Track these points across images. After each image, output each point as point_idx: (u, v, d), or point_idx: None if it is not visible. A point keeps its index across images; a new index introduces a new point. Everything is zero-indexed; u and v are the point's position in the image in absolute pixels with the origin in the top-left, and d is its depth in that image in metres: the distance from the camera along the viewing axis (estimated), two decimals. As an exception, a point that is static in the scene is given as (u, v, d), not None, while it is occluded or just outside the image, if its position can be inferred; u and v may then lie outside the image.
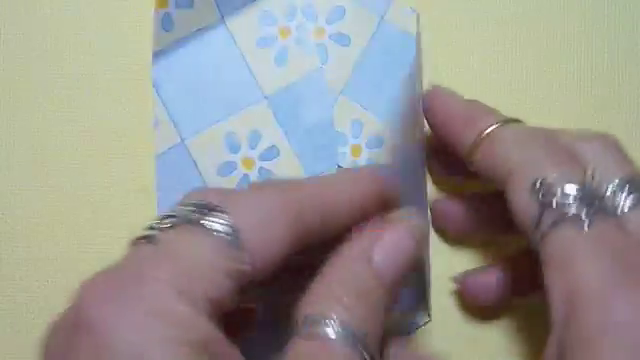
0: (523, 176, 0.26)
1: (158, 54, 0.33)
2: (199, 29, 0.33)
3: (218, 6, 0.33)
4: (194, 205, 0.24)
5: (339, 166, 0.33)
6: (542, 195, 0.25)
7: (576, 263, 0.24)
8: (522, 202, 0.26)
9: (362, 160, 0.33)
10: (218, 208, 0.24)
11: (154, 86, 0.33)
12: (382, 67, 0.34)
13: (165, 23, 0.33)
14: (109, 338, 0.20)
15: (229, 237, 0.23)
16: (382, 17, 0.34)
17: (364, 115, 0.33)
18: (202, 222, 0.23)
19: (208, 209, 0.24)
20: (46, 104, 0.34)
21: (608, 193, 0.26)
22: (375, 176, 0.27)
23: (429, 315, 0.32)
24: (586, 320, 0.23)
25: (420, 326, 0.33)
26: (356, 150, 0.33)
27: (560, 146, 0.27)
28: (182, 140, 0.33)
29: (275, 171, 0.33)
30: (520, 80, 0.34)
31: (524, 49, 0.34)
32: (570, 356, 0.23)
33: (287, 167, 0.33)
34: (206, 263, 0.23)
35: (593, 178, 0.26)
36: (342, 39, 0.34)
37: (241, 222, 0.23)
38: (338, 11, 0.34)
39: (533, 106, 0.34)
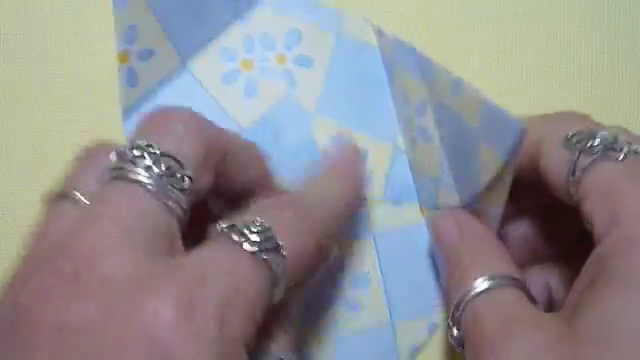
0: (554, 136, 0.27)
1: (127, 111, 0.33)
2: (163, 78, 0.33)
3: (177, 51, 0.33)
4: (256, 231, 0.23)
5: None
6: (576, 142, 0.26)
7: (615, 188, 0.25)
8: (556, 156, 0.27)
9: None
10: (274, 240, 0.23)
11: None
12: (350, 80, 0.34)
13: (129, 79, 0.33)
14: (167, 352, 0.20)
15: (278, 272, 0.23)
16: (338, 32, 0.34)
17: (342, 130, 0.33)
18: (264, 257, 0.23)
19: (265, 236, 0.23)
20: (46, 104, 0.34)
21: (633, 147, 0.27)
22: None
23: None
24: (625, 234, 0.24)
25: (439, 325, 0.33)
26: None
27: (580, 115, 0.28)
28: None
29: None
30: (520, 80, 0.34)
31: (524, 49, 0.34)
32: (606, 264, 0.24)
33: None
34: (257, 300, 0.22)
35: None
36: (305, 61, 0.34)
37: (286, 248, 0.23)
38: (294, 34, 0.34)
39: (533, 106, 0.34)
